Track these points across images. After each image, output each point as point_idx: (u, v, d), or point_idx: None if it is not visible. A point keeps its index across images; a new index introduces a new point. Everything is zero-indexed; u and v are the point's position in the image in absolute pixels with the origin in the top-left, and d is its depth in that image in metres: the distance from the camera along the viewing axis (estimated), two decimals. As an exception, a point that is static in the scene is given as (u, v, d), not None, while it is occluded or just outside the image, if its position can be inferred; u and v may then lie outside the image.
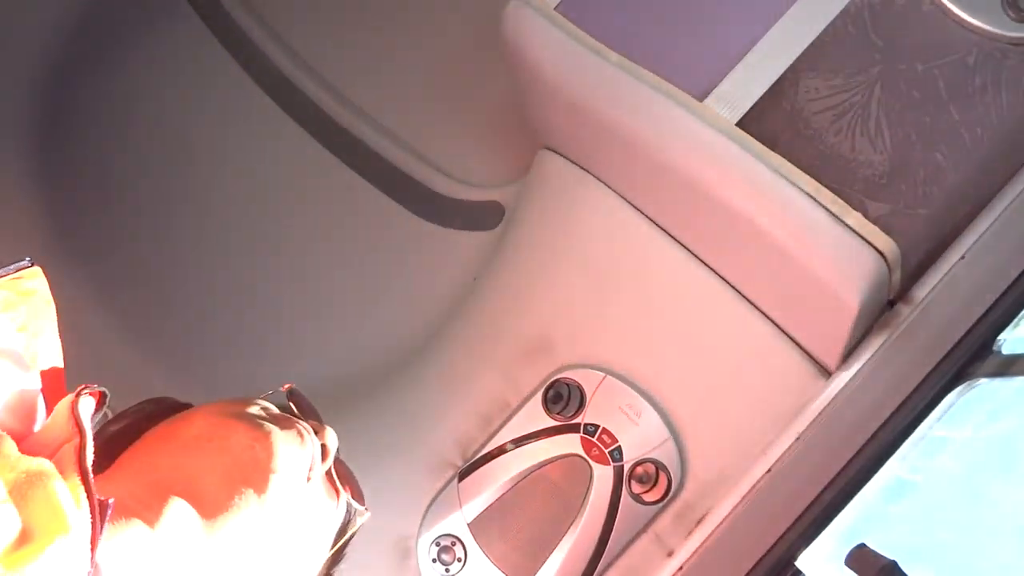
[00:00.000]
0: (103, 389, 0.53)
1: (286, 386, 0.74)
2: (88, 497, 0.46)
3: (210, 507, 0.57)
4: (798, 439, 0.91)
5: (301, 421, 0.67)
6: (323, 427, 0.69)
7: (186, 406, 0.69)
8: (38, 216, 1.56)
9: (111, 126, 1.66)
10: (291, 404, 0.72)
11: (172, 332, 1.49)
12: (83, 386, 0.52)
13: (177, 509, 0.55)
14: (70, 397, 0.51)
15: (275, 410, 0.68)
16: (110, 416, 0.71)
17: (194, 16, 1.71)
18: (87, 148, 1.64)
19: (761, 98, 0.89)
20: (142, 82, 1.69)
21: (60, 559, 0.42)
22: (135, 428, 0.65)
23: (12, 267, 0.53)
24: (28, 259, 0.54)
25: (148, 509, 0.55)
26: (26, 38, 1.64)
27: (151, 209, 1.61)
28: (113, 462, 0.66)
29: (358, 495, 0.75)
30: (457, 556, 1.10)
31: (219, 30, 1.70)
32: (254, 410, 0.65)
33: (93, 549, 0.45)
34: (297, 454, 0.63)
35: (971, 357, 0.86)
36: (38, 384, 0.54)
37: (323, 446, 0.67)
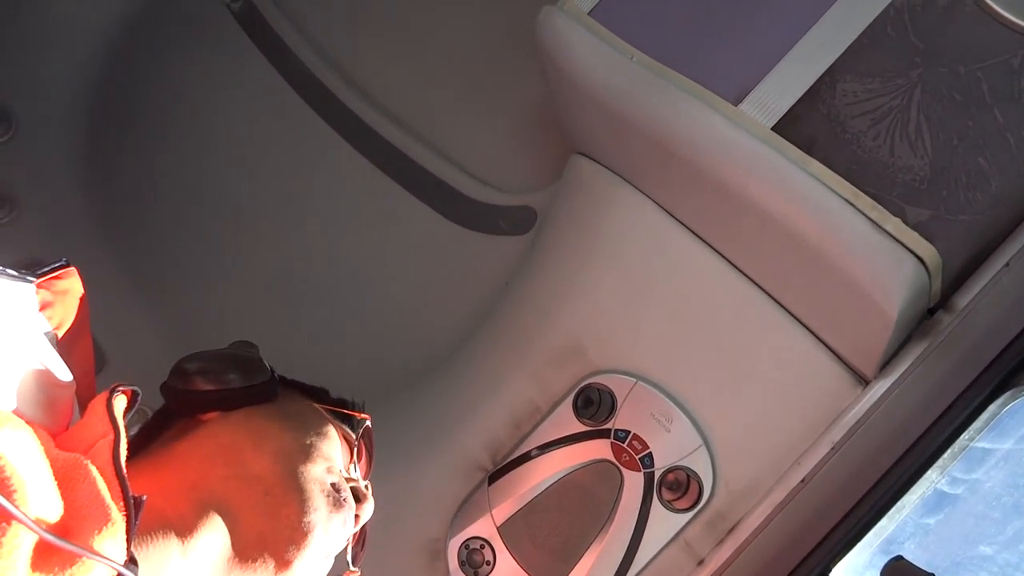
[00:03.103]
0: (135, 388, 0.55)
1: (365, 416, 0.79)
2: (123, 493, 0.47)
3: (238, 550, 0.61)
4: (833, 448, 0.90)
5: (352, 498, 0.70)
6: (367, 496, 0.73)
7: (254, 392, 0.71)
8: (84, 208, 1.62)
9: (153, 127, 1.71)
10: (361, 441, 0.77)
11: (197, 329, 1.52)
12: (116, 384, 0.54)
13: (210, 540, 0.59)
14: (103, 395, 0.54)
15: (341, 471, 0.72)
16: (149, 415, 0.74)
17: (231, 21, 1.75)
18: (129, 147, 1.69)
19: (797, 102, 0.88)
20: (183, 86, 1.73)
21: (103, 549, 0.44)
22: (204, 398, 0.69)
23: (49, 267, 0.55)
24: (64, 259, 0.56)
25: (185, 525, 0.59)
26: (79, 39, 1.70)
27: (189, 207, 1.65)
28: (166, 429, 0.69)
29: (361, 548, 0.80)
30: (486, 559, 1.10)
31: (254, 32, 1.73)
32: (319, 471, 0.68)
33: (128, 543, 0.47)
34: (335, 539, 0.68)
35: (1015, 367, 0.84)
36: (71, 382, 0.56)
37: (356, 517, 0.72)
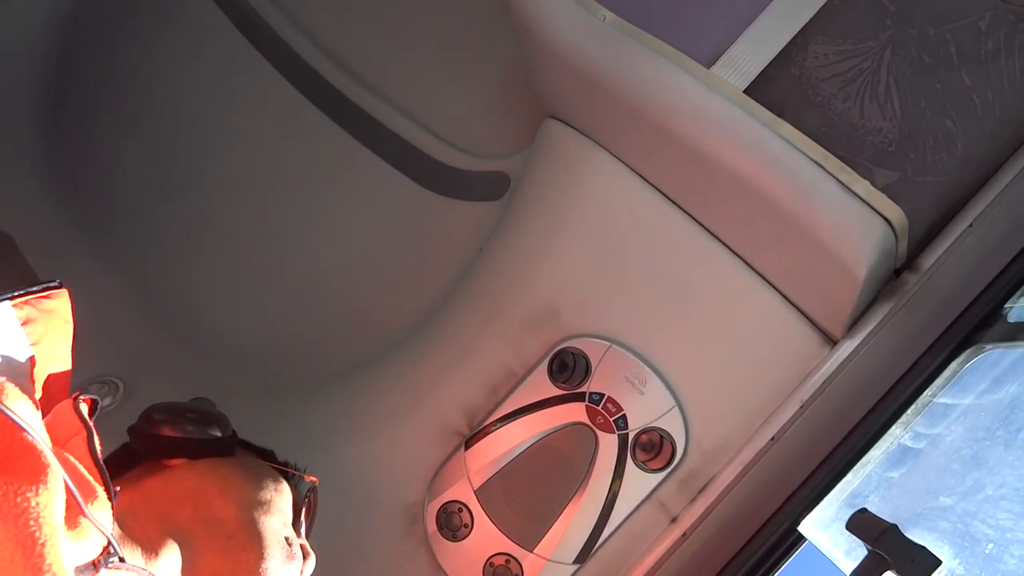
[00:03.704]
0: (95, 397, 0.60)
1: (313, 479, 0.86)
2: (102, 479, 0.51)
3: None
4: (802, 407, 0.92)
5: (301, 553, 0.77)
6: (311, 554, 0.80)
7: (220, 444, 0.78)
8: (48, 188, 1.57)
9: (119, 100, 1.65)
10: (307, 498, 0.84)
11: (179, 302, 1.50)
12: (77, 393, 0.58)
13: (170, 565, 0.65)
14: (69, 400, 0.57)
15: (289, 520, 0.79)
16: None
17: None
18: (95, 122, 1.64)
19: (769, 64, 0.88)
20: (148, 54, 1.68)
21: (97, 521, 0.48)
22: (172, 444, 0.75)
23: (41, 287, 0.58)
24: (58, 281, 0.58)
25: (151, 546, 0.64)
26: (35, 14, 1.63)
27: (159, 182, 1.61)
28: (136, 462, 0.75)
29: None
30: (464, 522, 1.12)
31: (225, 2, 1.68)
32: (277, 523, 0.75)
33: (113, 519, 0.49)
34: None
35: (977, 325, 0.86)
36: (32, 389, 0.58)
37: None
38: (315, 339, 1.42)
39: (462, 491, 1.12)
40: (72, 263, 1.48)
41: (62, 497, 0.45)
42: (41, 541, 0.42)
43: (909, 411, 0.88)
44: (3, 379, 0.48)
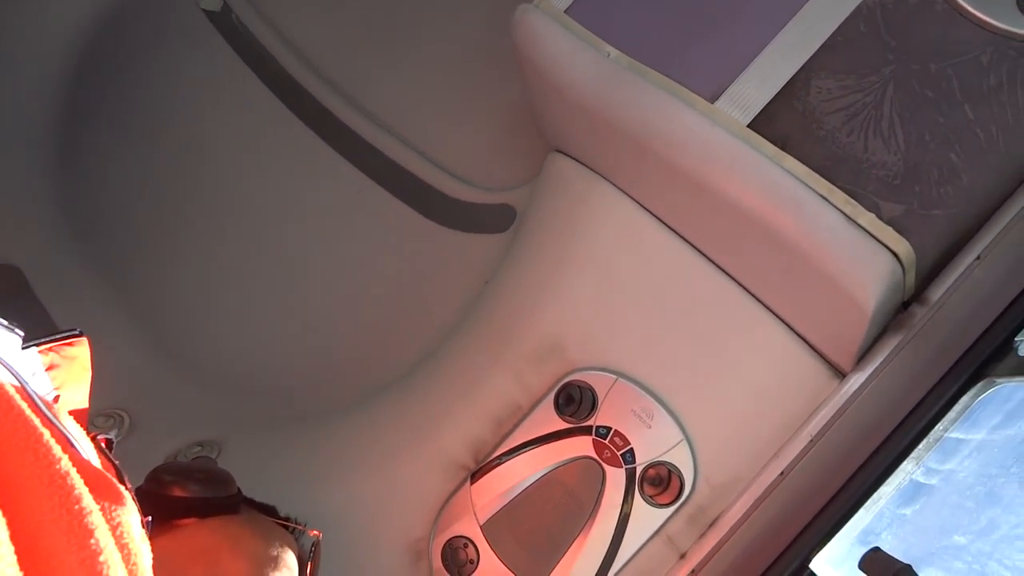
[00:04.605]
0: (110, 437, 0.62)
1: (316, 533, 0.88)
2: (144, 519, 0.53)
3: None
4: (811, 442, 0.91)
5: None
6: None
7: (227, 503, 0.81)
8: (55, 222, 1.58)
9: (127, 127, 1.68)
10: (311, 552, 0.85)
11: (184, 334, 1.51)
12: (94, 434, 0.60)
13: None
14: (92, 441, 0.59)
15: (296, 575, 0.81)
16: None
17: (205, 21, 1.73)
18: (104, 155, 1.66)
19: (773, 99, 0.89)
20: (156, 83, 1.71)
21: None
22: (182, 505, 0.78)
23: (63, 334, 0.60)
24: (79, 330, 0.60)
25: None
26: (47, 40, 1.67)
27: (166, 214, 1.63)
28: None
29: None
30: (470, 558, 1.10)
31: (229, 33, 1.71)
32: None
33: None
34: None
35: (988, 358, 0.85)
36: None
37: None
38: (320, 372, 1.41)
39: (468, 526, 1.11)
40: (78, 295, 1.49)
41: (138, 519, 0.47)
42: (133, 552, 0.45)
43: (920, 446, 0.87)
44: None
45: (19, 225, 1.54)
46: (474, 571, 1.10)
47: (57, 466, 0.42)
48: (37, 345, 0.57)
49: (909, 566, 0.73)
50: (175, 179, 1.65)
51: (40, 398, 0.48)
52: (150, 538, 0.72)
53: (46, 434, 0.43)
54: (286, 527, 0.87)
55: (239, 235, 1.60)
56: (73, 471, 0.42)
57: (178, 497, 0.78)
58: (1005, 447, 0.76)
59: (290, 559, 0.80)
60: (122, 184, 1.64)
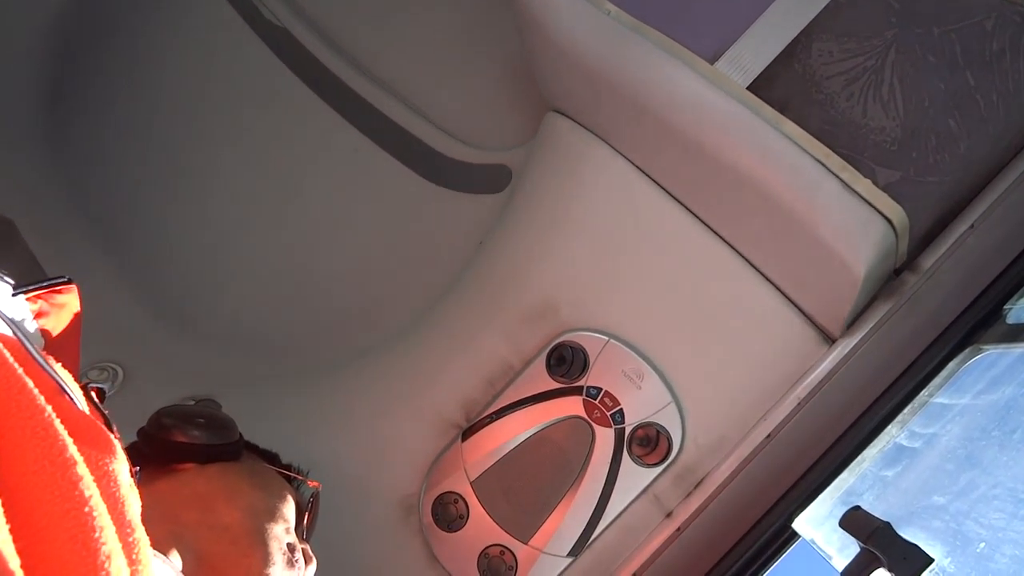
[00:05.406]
0: (102, 387, 0.62)
1: (316, 484, 0.87)
2: (133, 467, 0.52)
3: None
4: (799, 405, 0.92)
5: (303, 559, 0.79)
6: (312, 559, 0.81)
7: (228, 449, 0.80)
8: (48, 175, 1.57)
9: (122, 78, 1.65)
10: (310, 503, 0.85)
11: (179, 289, 1.51)
12: (87, 382, 0.60)
13: (174, 564, 0.66)
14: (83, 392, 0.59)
15: (292, 526, 0.80)
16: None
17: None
18: (99, 109, 1.64)
19: (773, 62, 0.88)
20: (153, 33, 1.67)
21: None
22: (182, 449, 0.77)
23: (51, 281, 0.60)
24: (67, 277, 0.60)
25: (156, 543, 0.65)
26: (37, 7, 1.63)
27: (160, 171, 1.61)
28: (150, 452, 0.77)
29: None
30: (459, 513, 1.12)
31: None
32: (280, 530, 0.76)
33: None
34: None
35: (976, 325, 0.86)
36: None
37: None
38: (313, 329, 1.42)
39: (458, 483, 1.12)
40: (71, 248, 1.48)
41: (127, 468, 0.47)
42: (121, 501, 0.44)
43: (906, 410, 0.88)
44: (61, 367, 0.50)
45: (10, 176, 1.52)
46: (463, 526, 1.12)
47: (41, 416, 0.41)
48: (25, 292, 0.56)
49: (888, 524, 0.74)
50: (170, 132, 1.63)
51: (31, 345, 0.48)
52: (146, 482, 0.73)
53: (29, 383, 0.43)
54: (287, 476, 0.87)
55: (234, 191, 1.58)
56: (57, 421, 0.42)
57: (177, 442, 0.77)
58: (987, 412, 0.77)
59: (287, 510, 0.80)
60: (117, 137, 1.62)
